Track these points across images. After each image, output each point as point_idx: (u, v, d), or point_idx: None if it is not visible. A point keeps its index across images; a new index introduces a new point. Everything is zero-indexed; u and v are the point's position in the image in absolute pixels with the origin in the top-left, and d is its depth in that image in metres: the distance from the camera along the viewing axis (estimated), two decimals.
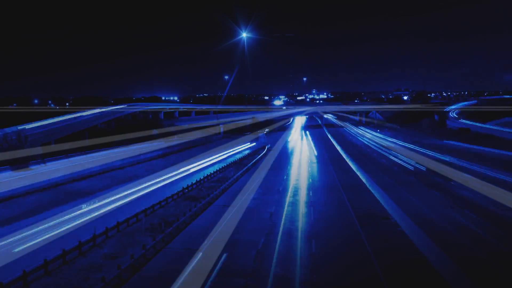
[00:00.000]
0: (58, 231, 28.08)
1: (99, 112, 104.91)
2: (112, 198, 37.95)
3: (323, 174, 52.63)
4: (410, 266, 21.93)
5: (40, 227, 28.91)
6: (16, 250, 24.45)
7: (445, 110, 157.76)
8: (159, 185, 44.70)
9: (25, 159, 52.98)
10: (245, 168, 55.14)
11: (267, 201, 37.35)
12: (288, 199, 38.06)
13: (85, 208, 34.44)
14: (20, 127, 63.41)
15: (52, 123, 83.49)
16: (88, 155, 63.06)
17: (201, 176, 47.49)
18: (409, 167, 57.01)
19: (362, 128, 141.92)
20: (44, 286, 19.78)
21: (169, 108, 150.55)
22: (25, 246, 25.10)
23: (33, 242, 25.80)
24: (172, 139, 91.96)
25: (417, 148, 78.41)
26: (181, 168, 56.48)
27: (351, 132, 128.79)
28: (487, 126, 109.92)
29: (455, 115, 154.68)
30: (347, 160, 65.59)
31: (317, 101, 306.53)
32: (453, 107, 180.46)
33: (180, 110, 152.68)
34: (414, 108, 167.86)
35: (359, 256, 23.34)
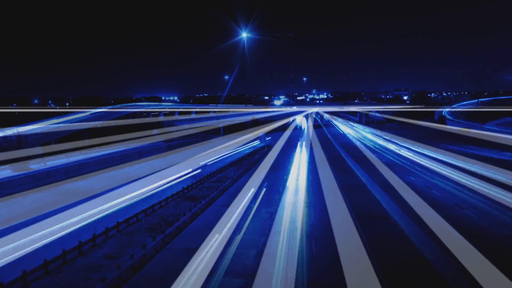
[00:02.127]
0: (59, 230, 28.09)
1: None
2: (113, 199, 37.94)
3: (320, 170, 52.63)
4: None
5: (40, 227, 28.89)
6: (16, 250, 24.46)
7: (441, 111, 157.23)
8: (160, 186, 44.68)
9: (25, 159, 53.03)
10: (245, 168, 55.25)
11: (268, 201, 37.40)
12: (288, 199, 38.03)
13: None
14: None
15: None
16: (88, 155, 63.08)
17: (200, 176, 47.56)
18: None
19: (362, 127, 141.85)
20: (44, 286, 19.78)
21: (169, 108, 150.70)
22: (25, 246, 25.10)
23: (33, 242, 25.79)
24: (172, 138, 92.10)
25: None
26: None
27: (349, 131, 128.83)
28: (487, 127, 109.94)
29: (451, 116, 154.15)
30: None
31: (317, 101, 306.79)
32: (450, 108, 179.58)
33: (180, 110, 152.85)
34: (414, 107, 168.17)
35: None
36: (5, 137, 57.00)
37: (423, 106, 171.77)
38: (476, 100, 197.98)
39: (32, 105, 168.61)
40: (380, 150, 77.60)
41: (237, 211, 33.21)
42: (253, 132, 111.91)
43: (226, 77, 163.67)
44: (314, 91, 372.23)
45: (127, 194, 38.60)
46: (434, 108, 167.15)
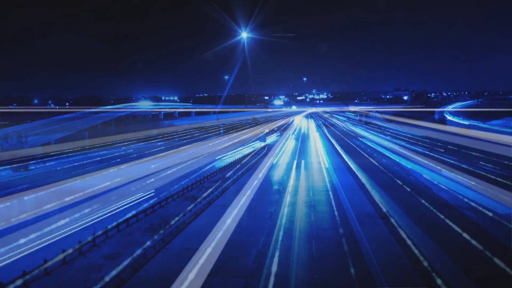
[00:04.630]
0: (58, 231, 28.09)
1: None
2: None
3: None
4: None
5: (40, 227, 28.87)
6: (16, 250, 24.46)
7: (442, 111, 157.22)
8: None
9: (25, 159, 53.09)
10: (245, 168, 55.25)
11: (267, 201, 37.39)
12: (288, 198, 38.06)
13: None
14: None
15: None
16: (88, 155, 63.15)
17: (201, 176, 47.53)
18: None
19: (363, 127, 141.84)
20: (44, 286, 19.78)
21: (169, 108, 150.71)
22: (25, 246, 25.10)
23: (33, 242, 25.80)
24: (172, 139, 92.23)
25: None
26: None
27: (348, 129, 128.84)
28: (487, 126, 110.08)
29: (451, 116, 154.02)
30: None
31: (317, 101, 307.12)
32: (448, 107, 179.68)
33: (180, 110, 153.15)
34: (414, 107, 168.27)
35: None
36: (5, 137, 57.02)
37: (423, 106, 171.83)
38: (476, 100, 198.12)
39: (32, 105, 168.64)
40: None
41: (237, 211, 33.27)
42: (253, 132, 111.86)
43: (226, 77, 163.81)
44: (314, 91, 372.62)
45: None
46: (434, 108, 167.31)
